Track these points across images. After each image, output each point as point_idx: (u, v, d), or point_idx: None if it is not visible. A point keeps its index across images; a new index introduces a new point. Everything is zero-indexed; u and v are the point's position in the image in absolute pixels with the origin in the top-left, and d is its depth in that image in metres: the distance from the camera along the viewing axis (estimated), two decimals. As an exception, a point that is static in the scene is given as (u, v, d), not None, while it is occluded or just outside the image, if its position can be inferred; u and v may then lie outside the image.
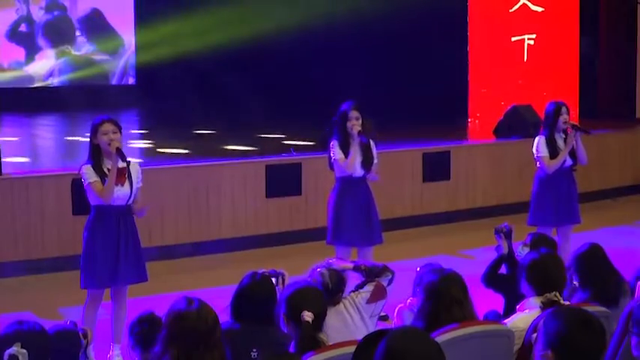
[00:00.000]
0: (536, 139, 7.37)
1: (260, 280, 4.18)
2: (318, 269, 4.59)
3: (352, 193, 6.82)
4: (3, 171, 8.40)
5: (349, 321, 4.47)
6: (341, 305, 4.52)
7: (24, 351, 3.09)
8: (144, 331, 4.06)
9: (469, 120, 14.23)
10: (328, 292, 4.42)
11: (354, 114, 6.73)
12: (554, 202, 7.37)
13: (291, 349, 3.67)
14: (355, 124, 6.68)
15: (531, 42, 13.44)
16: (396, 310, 4.34)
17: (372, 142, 6.87)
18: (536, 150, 7.33)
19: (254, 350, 3.87)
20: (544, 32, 13.37)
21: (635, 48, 14.41)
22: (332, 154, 6.80)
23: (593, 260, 4.64)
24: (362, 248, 6.90)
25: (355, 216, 6.81)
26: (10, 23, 17.38)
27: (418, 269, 4.58)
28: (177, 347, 3.33)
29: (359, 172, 6.80)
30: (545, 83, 13.23)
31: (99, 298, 5.84)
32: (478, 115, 14.04)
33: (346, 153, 6.73)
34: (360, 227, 6.83)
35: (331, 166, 6.90)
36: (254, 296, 4.07)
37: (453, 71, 14.65)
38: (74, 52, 17.90)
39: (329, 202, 6.92)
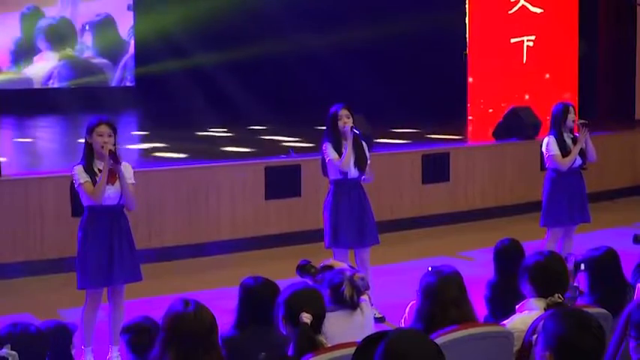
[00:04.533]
0: (546, 139, 7.45)
1: (263, 283, 4.18)
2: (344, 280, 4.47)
3: (347, 196, 6.80)
4: (2, 172, 8.39)
5: (363, 324, 4.42)
6: (358, 310, 4.46)
7: (14, 352, 3.09)
8: (132, 340, 4.07)
9: (469, 124, 14.23)
10: (343, 298, 4.35)
11: (344, 112, 6.74)
12: (567, 202, 7.40)
13: (290, 351, 3.67)
14: (347, 122, 6.70)
15: (530, 43, 13.44)
16: (408, 307, 4.29)
17: (364, 143, 6.88)
18: (547, 149, 7.38)
19: (262, 353, 3.86)
20: (543, 34, 13.37)
21: (634, 49, 14.42)
22: (325, 156, 6.79)
23: (607, 266, 4.61)
24: (358, 250, 6.90)
25: (351, 218, 6.80)
26: (12, 26, 17.39)
27: (430, 269, 4.56)
28: (175, 349, 3.34)
29: (353, 172, 6.79)
30: (545, 85, 13.23)
31: (97, 299, 5.85)
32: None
33: (339, 153, 6.72)
34: (356, 229, 6.82)
35: (324, 169, 6.89)
36: (260, 298, 4.08)
37: (452, 73, 14.67)
38: (74, 55, 17.91)
39: (324, 207, 6.91)
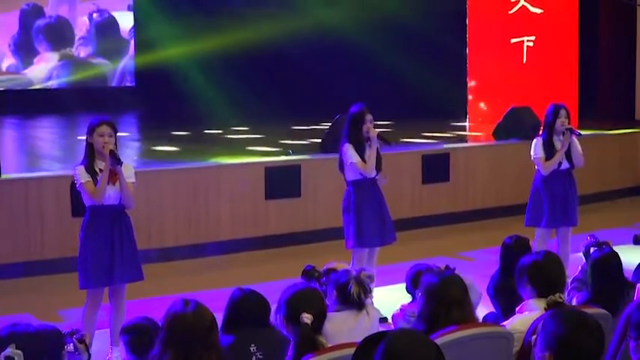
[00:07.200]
0: (534, 140, 7.42)
1: (250, 293, 4.15)
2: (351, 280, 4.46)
3: (368, 196, 6.84)
4: (2, 172, 8.39)
5: (369, 326, 4.42)
6: (364, 311, 4.45)
7: (19, 352, 3.09)
8: (131, 340, 4.07)
9: (469, 124, 14.25)
10: (351, 298, 4.34)
11: (369, 117, 6.76)
12: (550, 203, 7.37)
13: (290, 351, 3.67)
14: (370, 127, 6.71)
15: (530, 44, 13.44)
16: (391, 317, 4.32)
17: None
18: (533, 151, 7.37)
19: (252, 346, 3.87)
20: (543, 34, 13.36)
21: (634, 49, 14.42)
22: (346, 158, 6.77)
23: (605, 268, 4.61)
24: (372, 248, 6.93)
25: (374, 218, 6.84)
26: (12, 27, 17.40)
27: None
28: (175, 348, 3.35)
29: (372, 173, 6.83)
30: (545, 85, 13.22)
31: (98, 299, 5.85)
32: (480, 119, 14.05)
33: (360, 154, 6.74)
34: (379, 228, 6.87)
35: (341, 168, 6.89)
36: (246, 306, 4.05)
37: (452, 73, 14.67)
38: (73, 55, 17.91)
39: (345, 208, 6.89)
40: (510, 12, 13.56)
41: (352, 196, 6.85)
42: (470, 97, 14.33)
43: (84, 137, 5.84)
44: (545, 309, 3.93)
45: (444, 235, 10.02)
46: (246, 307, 4.02)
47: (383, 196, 6.96)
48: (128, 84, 18.53)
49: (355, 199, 6.83)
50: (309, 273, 4.77)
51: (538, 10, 13.33)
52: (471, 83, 14.26)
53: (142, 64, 17.78)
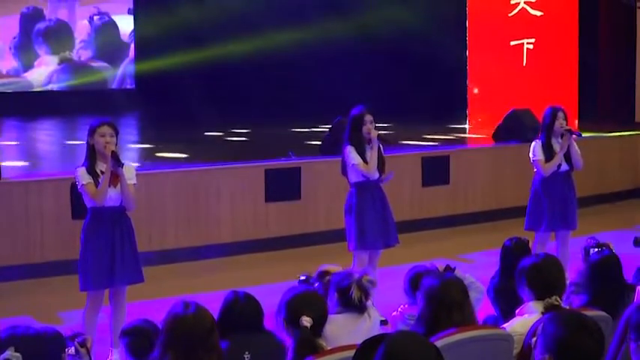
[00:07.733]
0: (533, 143, 7.42)
1: (244, 297, 4.14)
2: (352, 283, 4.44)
3: (370, 197, 6.85)
4: (2, 175, 8.39)
5: (369, 329, 4.42)
6: (365, 314, 4.45)
7: (18, 354, 3.09)
8: (131, 343, 4.07)
9: (469, 126, 14.25)
10: (352, 301, 4.33)
11: (368, 118, 6.77)
12: (549, 206, 7.37)
13: (290, 354, 3.67)
14: (371, 129, 6.72)
15: (530, 46, 13.45)
16: (390, 319, 4.31)
17: (380, 146, 6.91)
18: (533, 154, 7.36)
19: (247, 353, 3.87)
20: (543, 36, 13.37)
21: (634, 52, 14.42)
22: (349, 160, 6.78)
23: (605, 270, 4.61)
24: (374, 251, 6.93)
25: (377, 219, 6.85)
26: (12, 30, 17.42)
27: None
28: (175, 351, 3.35)
29: (375, 175, 6.83)
30: (545, 88, 13.22)
31: (99, 301, 5.85)
32: (479, 120, 14.06)
33: (361, 156, 6.75)
34: (382, 230, 6.88)
35: (344, 171, 6.90)
36: (237, 309, 4.04)
37: (452, 75, 14.68)
38: (73, 58, 17.92)
39: (348, 209, 6.88)
40: (510, 14, 13.57)
41: (354, 198, 6.86)
42: (470, 99, 14.33)
43: (84, 140, 5.83)
44: (542, 312, 3.93)
45: (444, 237, 10.02)
46: (238, 310, 4.00)
47: (386, 198, 6.97)
48: (128, 87, 18.55)
49: (357, 201, 6.84)
50: (305, 282, 4.75)
51: (538, 13, 13.34)
52: (471, 86, 14.27)
53: (142, 67, 17.80)
